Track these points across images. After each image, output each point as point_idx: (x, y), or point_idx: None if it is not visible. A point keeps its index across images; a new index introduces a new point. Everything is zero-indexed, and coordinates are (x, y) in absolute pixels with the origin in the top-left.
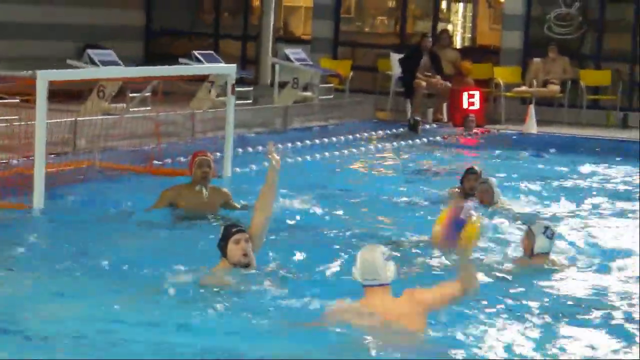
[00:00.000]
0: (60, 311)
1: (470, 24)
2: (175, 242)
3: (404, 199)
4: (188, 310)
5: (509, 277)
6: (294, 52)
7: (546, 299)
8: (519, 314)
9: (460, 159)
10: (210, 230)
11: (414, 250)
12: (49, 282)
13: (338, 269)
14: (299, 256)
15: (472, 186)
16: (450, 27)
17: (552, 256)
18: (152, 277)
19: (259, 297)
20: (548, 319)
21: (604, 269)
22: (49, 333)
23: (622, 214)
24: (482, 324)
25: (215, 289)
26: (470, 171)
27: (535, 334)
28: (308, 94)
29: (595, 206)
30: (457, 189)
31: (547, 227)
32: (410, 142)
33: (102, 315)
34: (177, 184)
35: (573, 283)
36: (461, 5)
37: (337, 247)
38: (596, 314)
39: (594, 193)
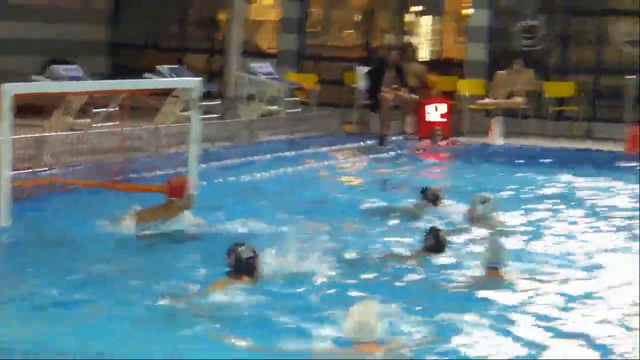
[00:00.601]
0: (30, 328)
1: (436, 37)
2: (148, 259)
3: (372, 211)
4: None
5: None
6: (260, 66)
7: (495, 311)
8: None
9: (427, 170)
10: (181, 248)
11: (383, 263)
12: (19, 300)
13: (313, 283)
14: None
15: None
16: (416, 40)
17: (506, 271)
18: (131, 294)
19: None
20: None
21: (566, 280)
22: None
23: (587, 223)
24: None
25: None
26: (432, 191)
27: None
28: (274, 107)
29: (562, 216)
30: (424, 202)
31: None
32: (377, 154)
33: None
34: (155, 205)
35: (523, 295)
36: (427, 18)
37: (307, 261)
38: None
39: (559, 203)
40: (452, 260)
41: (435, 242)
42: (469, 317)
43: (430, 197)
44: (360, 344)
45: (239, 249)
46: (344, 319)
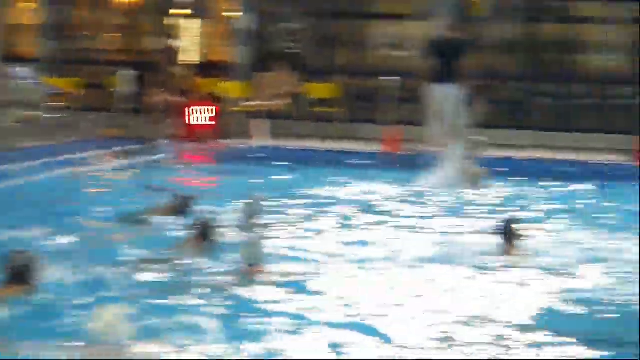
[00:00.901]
0: None
1: (202, 40)
2: None
3: (133, 215)
4: None
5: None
6: (20, 71)
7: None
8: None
9: (193, 173)
10: None
11: (141, 266)
12: None
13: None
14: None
15: None
16: (182, 43)
17: (264, 269)
18: None
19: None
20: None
21: (327, 277)
22: None
23: (348, 221)
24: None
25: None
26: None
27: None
28: (34, 113)
29: (325, 215)
30: (169, 204)
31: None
32: (143, 158)
33: None
34: None
35: (280, 293)
36: (192, 21)
37: (67, 268)
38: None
39: (322, 203)
40: (212, 259)
41: (203, 236)
42: (224, 314)
43: (186, 201)
44: (104, 346)
45: (13, 257)
46: (91, 321)
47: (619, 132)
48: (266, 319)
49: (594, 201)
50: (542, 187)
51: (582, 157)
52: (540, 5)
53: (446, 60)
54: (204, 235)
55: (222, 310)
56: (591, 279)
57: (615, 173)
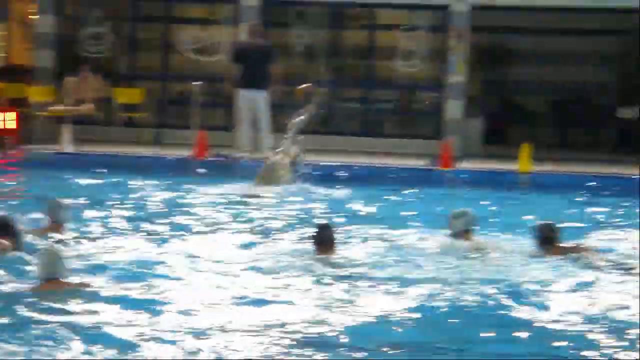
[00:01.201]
0: None
1: (3, 44)
2: None
3: None
4: None
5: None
6: None
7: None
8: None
9: None
10: None
11: None
12: None
13: None
14: None
15: None
16: None
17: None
18: None
19: None
20: None
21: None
22: None
23: (158, 229)
24: None
25: None
26: None
27: None
28: None
29: (136, 223)
30: None
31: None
32: None
33: None
34: None
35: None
36: None
37: None
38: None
39: (133, 210)
40: (8, 270)
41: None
42: (14, 332)
43: None
44: None
45: None
46: None
47: (424, 137)
48: (59, 334)
49: (399, 205)
50: (351, 191)
51: (388, 161)
52: (344, 12)
53: (253, 65)
54: (9, 236)
55: (11, 327)
56: (406, 283)
57: (417, 177)
